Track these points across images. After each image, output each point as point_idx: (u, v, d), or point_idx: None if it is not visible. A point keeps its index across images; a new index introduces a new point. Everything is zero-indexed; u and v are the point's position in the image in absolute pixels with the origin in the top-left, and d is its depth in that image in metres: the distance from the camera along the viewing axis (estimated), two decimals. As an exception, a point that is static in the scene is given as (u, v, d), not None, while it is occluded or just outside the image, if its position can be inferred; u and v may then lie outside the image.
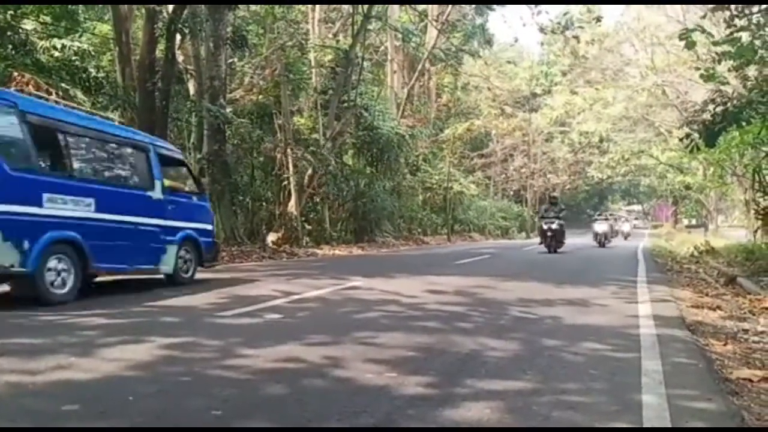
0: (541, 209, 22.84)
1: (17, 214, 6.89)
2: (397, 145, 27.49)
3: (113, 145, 8.85)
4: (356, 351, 4.79)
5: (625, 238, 39.09)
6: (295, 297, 7.93)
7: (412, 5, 32.58)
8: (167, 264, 9.30)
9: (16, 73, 11.50)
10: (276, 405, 3.52)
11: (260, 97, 23.26)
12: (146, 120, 13.69)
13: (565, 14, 24.06)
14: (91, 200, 7.94)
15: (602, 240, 25.47)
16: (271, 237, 19.68)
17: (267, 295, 7.93)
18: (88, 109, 9.81)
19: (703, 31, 11.72)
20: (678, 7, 26.60)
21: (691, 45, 11.61)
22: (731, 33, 11.18)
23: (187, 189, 10.40)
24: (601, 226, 25.93)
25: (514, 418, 3.34)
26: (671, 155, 36.63)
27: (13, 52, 13.10)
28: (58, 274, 7.31)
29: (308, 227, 22.48)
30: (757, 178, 16.79)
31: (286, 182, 21.67)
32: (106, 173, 8.70)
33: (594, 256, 19.38)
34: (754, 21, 11.35)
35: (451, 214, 35.53)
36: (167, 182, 9.59)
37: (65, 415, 3.26)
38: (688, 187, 39.62)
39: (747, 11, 11.41)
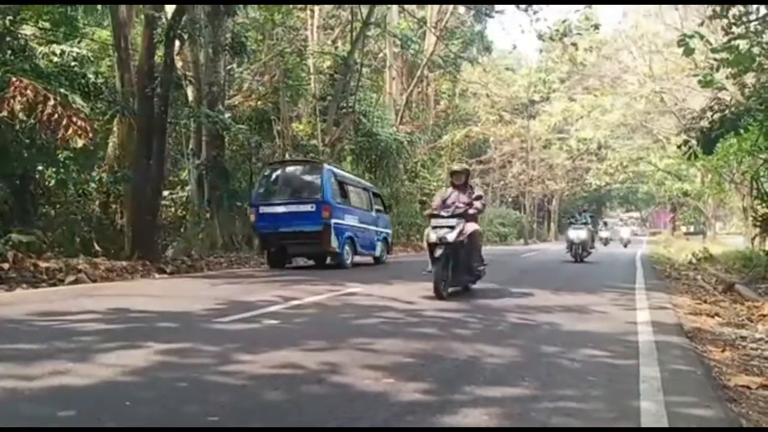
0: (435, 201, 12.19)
1: (338, 224, 14.19)
2: (395, 151, 27.51)
3: (360, 189, 16.69)
4: (354, 357, 4.78)
5: (625, 246, 36.70)
6: (293, 303, 7.91)
7: (411, 13, 32.69)
8: (377, 252, 16.83)
9: (14, 78, 11.48)
10: (273, 411, 3.51)
11: (259, 103, 23.29)
12: (145, 126, 13.67)
13: (564, 21, 24.03)
14: (356, 217, 15.47)
15: (578, 251, 18.59)
16: (270, 243, 19.66)
17: (265, 301, 7.91)
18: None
19: (702, 37, 11.75)
20: (676, 14, 26.74)
21: (689, 51, 11.64)
22: (729, 40, 11.22)
23: (382, 209, 17.96)
24: (576, 233, 18.76)
25: (512, 424, 3.34)
26: (669, 162, 36.78)
27: (12, 57, 13.08)
28: (347, 253, 14.72)
29: (307, 233, 22.44)
30: (754, 186, 16.83)
31: (284, 188, 21.67)
32: (358, 203, 16.11)
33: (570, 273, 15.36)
34: (752, 29, 11.39)
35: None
36: (376, 206, 17.28)
37: (61, 420, 3.25)
38: (686, 194, 39.75)
39: (745, 19, 11.46)
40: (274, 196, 14.56)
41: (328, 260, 15.19)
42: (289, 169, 15.19)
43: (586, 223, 19.26)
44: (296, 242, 14.28)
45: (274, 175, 15.04)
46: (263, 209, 14.36)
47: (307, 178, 14.57)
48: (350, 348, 5.12)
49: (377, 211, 17.21)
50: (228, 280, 11.21)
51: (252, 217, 14.86)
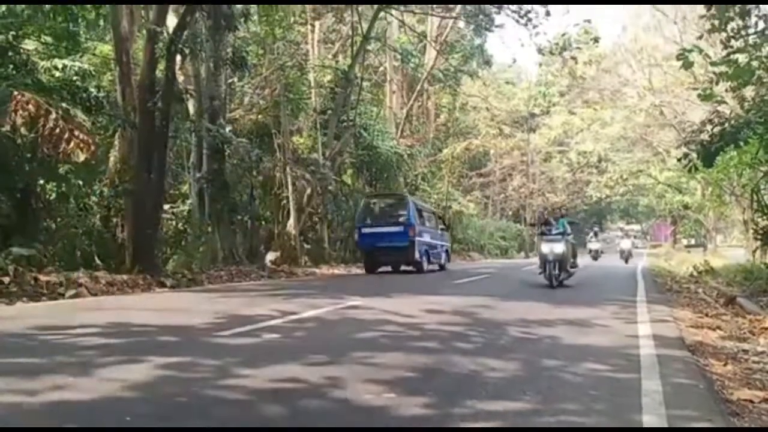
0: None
1: (419, 240, 18.57)
2: (395, 164, 27.58)
3: (430, 213, 21.98)
4: (355, 371, 4.76)
5: (626, 261, 29.40)
6: (294, 317, 7.89)
7: (411, 27, 32.84)
8: (442, 261, 21.44)
9: (16, 93, 11.53)
10: (274, 425, 3.50)
11: (260, 116, 23.35)
12: (146, 140, 13.70)
13: (563, 35, 24.23)
14: (429, 235, 20.12)
15: (553, 270, 13.19)
16: (270, 256, 19.64)
17: (265, 315, 7.89)
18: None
19: (701, 51, 11.80)
20: (675, 28, 26.86)
21: (688, 65, 11.70)
22: (728, 54, 11.28)
23: (444, 228, 23.00)
24: (550, 246, 13.31)
25: (513, 439, 3.32)
26: (669, 175, 36.79)
27: (14, 72, 13.15)
28: (425, 262, 19.13)
29: (307, 247, 22.45)
30: (755, 198, 16.85)
31: (285, 202, 21.68)
32: (430, 224, 20.78)
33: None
34: (751, 42, 11.45)
35: (450, 233, 35.50)
36: (440, 226, 22.26)
37: (62, 435, 3.25)
38: (686, 207, 39.72)
39: (743, 32, 11.53)
40: (371, 220, 19.35)
41: (402, 267, 19.57)
42: (382, 200, 20.71)
43: (563, 233, 13.85)
44: (388, 254, 18.85)
45: (370, 205, 20.03)
46: (364, 230, 19.21)
47: (396, 206, 19.56)
48: (351, 362, 5.10)
49: (441, 230, 22.24)
50: (228, 294, 11.21)
51: (356, 236, 20.17)
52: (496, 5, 23.82)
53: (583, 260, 25.39)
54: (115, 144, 17.28)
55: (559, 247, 13.29)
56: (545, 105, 49.27)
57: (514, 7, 22.16)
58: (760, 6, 11.84)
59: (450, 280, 16.12)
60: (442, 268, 21.22)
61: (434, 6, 30.14)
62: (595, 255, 30.93)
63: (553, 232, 13.87)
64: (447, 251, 22.70)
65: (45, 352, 5.34)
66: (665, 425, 3.59)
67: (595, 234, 33.90)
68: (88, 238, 14.99)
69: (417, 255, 18.63)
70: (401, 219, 18.81)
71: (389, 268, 19.98)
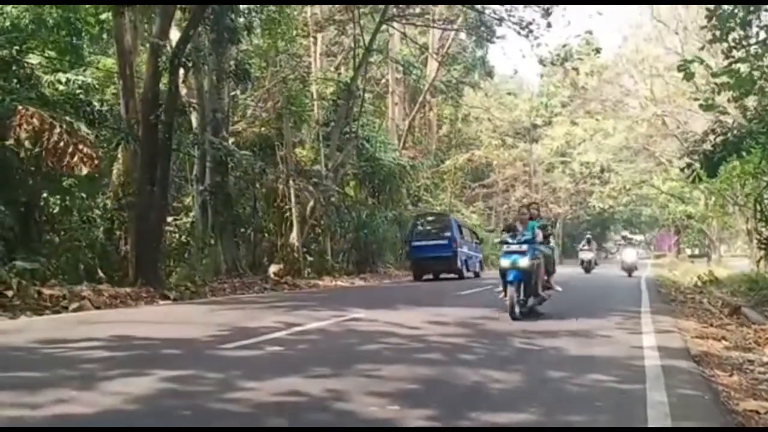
0: None
1: (460, 251, 22.39)
2: (398, 175, 27.64)
3: (467, 229, 25.84)
4: (358, 383, 4.75)
5: (629, 274, 24.22)
6: (297, 329, 7.87)
7: (413, 39, 32.98)
8: (477, 269, 24.76)
9: (20, 107, 11.59)
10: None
11: (262, 129, 23.42)
12: (149, 153, 13.73)
13: (564, 46, 24.29)
14: (467, 247, 23.70)
15: (515, 293, 9.16)
16: (273, 268, 19.63)
17: (268, 327, 7.87)
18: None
19: (702, 62, 11.83)
20: (676, 38, 26.95)
21: (689, 76, 11.73)
22: (729, 64, 11.30)
23: (478, 242, 26.31)
24: (510, 260, 9.43)
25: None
26: (672, 185, 36.80)
27: (18, 86, 13.23)
28: (464, 270, 22.59)
29: (310, 258, 22.45)
30: (758, 208, 16.81)
31: (287, 214, 21.70)
32: (467, 238, 24.32)
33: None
34: (752, 52, 11.48)
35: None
36: (475, 240, 25.61)
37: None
38: (690, 217, 39.66)
39: (744, 42, 11.56)
40: (420, 235, 22.56)
41: (441, 275, 22.69)
42: (428, 218, 24.50)
43: (530, 241, 9.66)
44: (434, 263, 21.97)
45: (419, 222, 23.57)
46: (414, 243, 22.47)
47: (440, 223, 23.16)
48: (354, 374, 5.09)
49: (476, 243, 25.81)
50: (231, 306, 11.19)
51: (407, 248, 23.98)
52: (497, 17, 23.94)
53: (576, 272, 25.16)
54: (118, 157, 17.35)
55: (523, 261, 9.44)
56: (547, 116, 49.31)
57: (515, 18, 22.29)
58: (761, 16, 11.88)
59: (453, 291, 16.07)
60: (477, 275, 24.11)
61: (436, 18, 30.30)
62: (588, 266, 26.37)
63: (517, 239, 9.79)
64: (480, 261, 26.38)
65: (47, 365, 5.33)
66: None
67: (588, 241, 27.71)
68: (92, 251, 15.01)
69: (458, 264, 21.91)
70: (445, 234, 22.03)
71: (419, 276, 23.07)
